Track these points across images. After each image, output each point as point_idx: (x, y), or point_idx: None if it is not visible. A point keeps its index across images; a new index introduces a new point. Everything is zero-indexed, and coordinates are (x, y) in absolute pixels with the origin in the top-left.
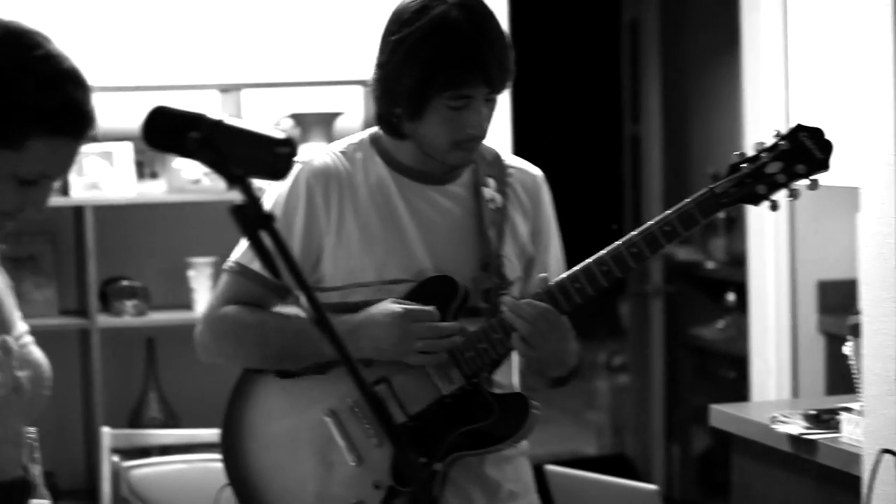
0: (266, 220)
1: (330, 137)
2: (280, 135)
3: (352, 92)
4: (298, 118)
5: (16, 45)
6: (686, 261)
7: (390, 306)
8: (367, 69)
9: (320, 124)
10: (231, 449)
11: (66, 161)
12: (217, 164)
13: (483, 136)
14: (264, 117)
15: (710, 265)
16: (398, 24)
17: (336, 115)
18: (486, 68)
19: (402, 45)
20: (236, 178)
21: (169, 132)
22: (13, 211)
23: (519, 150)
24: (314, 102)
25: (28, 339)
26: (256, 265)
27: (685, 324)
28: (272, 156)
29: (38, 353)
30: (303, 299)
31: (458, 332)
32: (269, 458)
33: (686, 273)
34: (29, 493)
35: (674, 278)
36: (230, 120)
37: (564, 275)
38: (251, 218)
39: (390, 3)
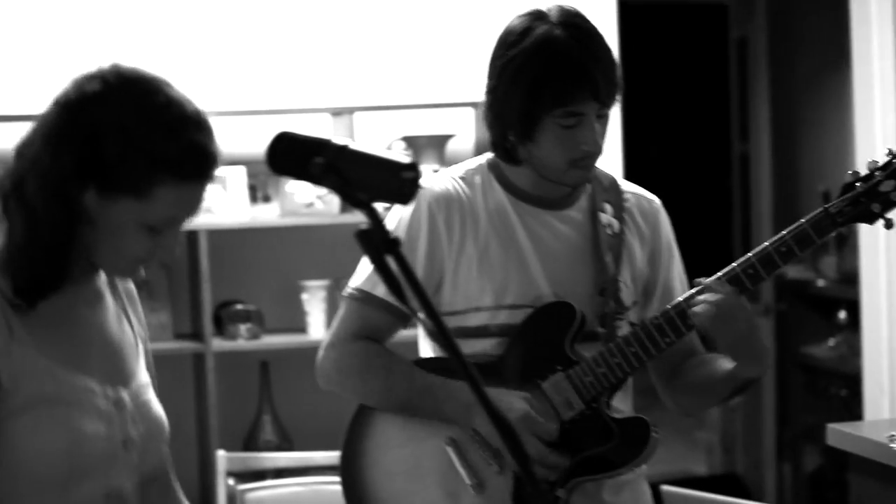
0: (392, 244)
1: (441, 160)
2: (405, 159)
3: (463, 114)
4: (410, 141)
5: (137, 93)
6: (797, 279)
7: (518, 404)
8: (479, 91)
9: (432, 147)
10: (351, 477)
11: (193, 204)
12: (342, 189)
13: (599, 152)
14: (376, 140)
15: (820, 283)
16: (504, 48)
17: (447, 137)
18: (593, 83)
19: (508, 68)
20: (361, 203)
21: (293, 157)
22: (145, 256)
23: (628, 169)
24: (425, 125)
25: (149, 393)
26: (380, 291)
27: (796, 342)
28: (398, 180)
29: (156, 408)
30: (429, 323)
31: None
32: (391, 487)
33: (797, 291)
34: None
35: (784, 296)
36: (355, 145)
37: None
38: (377, 242)
39: (500, 25)
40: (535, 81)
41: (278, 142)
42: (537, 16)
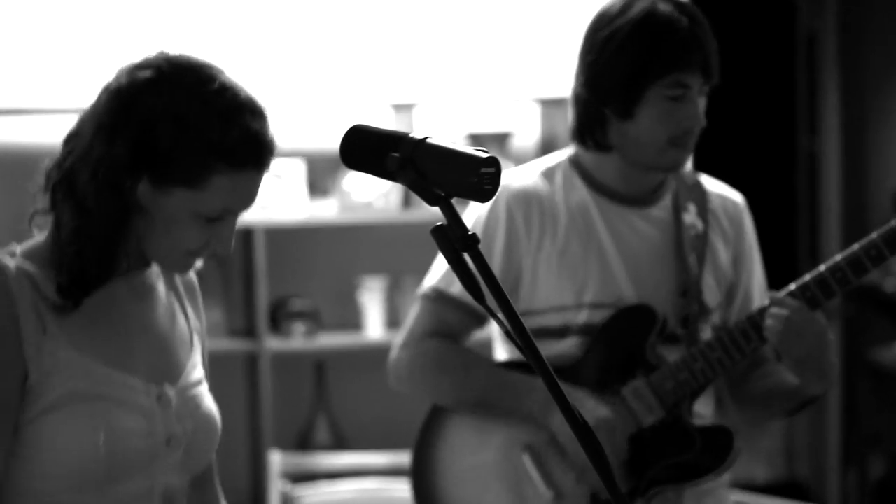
0: (470, 241)
1: (505, 156)
2: (485, 154)
3: (527, 110)
4: (473, 137)
5: (190, 81)
6: (865, 282)
7: (602, 410)
8: (542, 87)
9: (495, 143)
10: (422, 483)
11: (249, 194)
12: (418, 184)
13: (701, 127)
14: (441, 135)
15: (890, 287)
16: (604, 22)
17: (510, 134)
18: (704, 52)
19: (613, 38)
20: (438, 199)
21: (368, 152)
22: (199, 249)
23: (696, 166)
24: (488, 121)
25: (199, 389)
26: (455, 289)
27: (864, 346)
28: (477, 176)
29: (207, 405)
30: (507, 323)
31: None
32: (463, 494)
33: (865, 294)
34: None
35: (852, 299)
36: (433, 139)
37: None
38: (454, 239)
39: (566, 21)
40: (646, 49)
41: (352, 135)
42: None
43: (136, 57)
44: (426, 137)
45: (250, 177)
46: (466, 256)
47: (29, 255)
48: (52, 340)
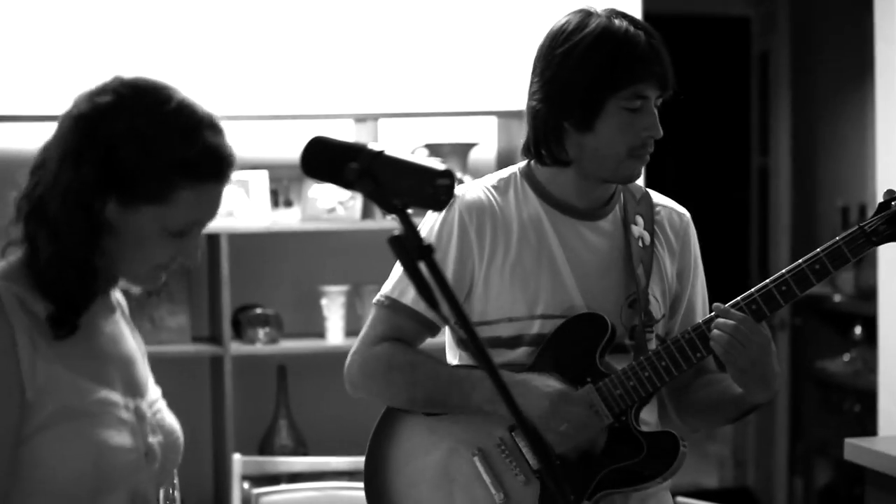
0: (425, 251)
1: (464, 168)
2: (440, 166)
3: (486, 123)
4: (433, 148)
5: (149, 102)
6: (813, 294)
7: (552, 382)
8: (502, 100)
9: (455, 155)
10: (375, 485)
11: (213, 205)
12: (376, 194)
13: (658, 137)
14: (399, 147)
15: (837, 298)
16: (562, 39)
17: (471, 145)
18: (661, 64)
19: (571, 54)
20: (395, 209)
21: (328, 162)
22: (167, 263)
23: (646, 179)
24: (449, 133)
25: (161, 404)
26: (408, 299)
27: (811, 356)
28: (433, 187)
29: (170, 419)
30: (461, 331)
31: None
32: (414, 496)
33: (812, 306)
34: None
35: (800, 311)
36: (390, 151)
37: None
38: (410, 249)
39: (525, 35)
40: (605, 62)
41: (313, 146)
42: (588, 12)
43: (92, 84)
44: (383, 150)
45: (213, 189)
46: (422, 265)
47: (9, 277)
48: (43, 359)
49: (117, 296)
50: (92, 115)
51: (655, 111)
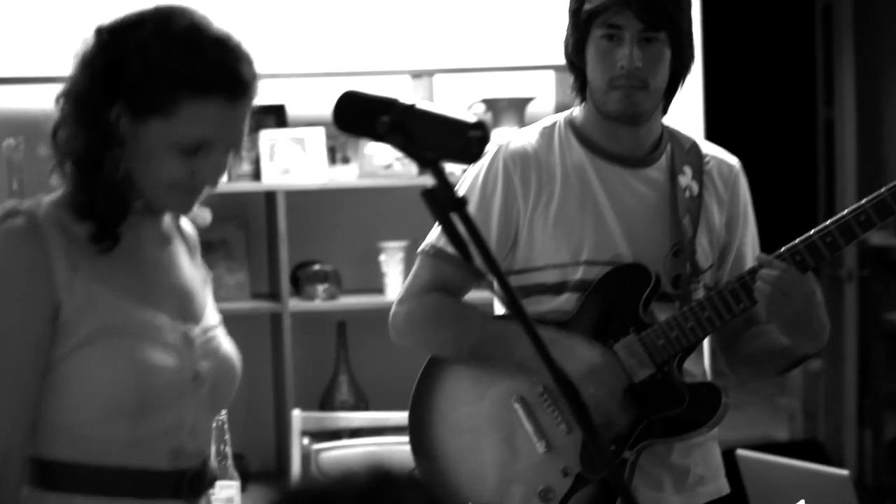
0: (458, 203)
1: (522, 122)
2: (472, 118)
3: (543, 77)
4: (490, 103)
5: (160, 20)
6: (880, 245)
7: (595, 354)
8: (560, 54)
9: (512, 109)
10: (419, 432)
11: (222, 125)
12: (408, 147)
13: (636, 73)
14: (456, 103)
15: None
16: None
17: (528, 100)
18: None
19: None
20: (428, 162)
21: (360, 116)
22: (182, 182)
23: (711, 135)
24: (506, 88)
25: (217, 332)
26: (452, 248)
27: (879, 309)
28: (464, 139)
29: (227, 347)
30: (496, 284)
31: (619, 425)
32: (457, 444)
33: (881, 258)
34: (203, 486)
35: (867, 263)
36: (422, 104)
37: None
38: (443, 201)
39: None
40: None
41: (344, 100)
42: None
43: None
44: (415, 103)
45: (221, 106)
46: (456, 217)
47: (54, 203)
48: (83, 278)
49: (185, 224)
50: (111, 29)
51: (637, 48)
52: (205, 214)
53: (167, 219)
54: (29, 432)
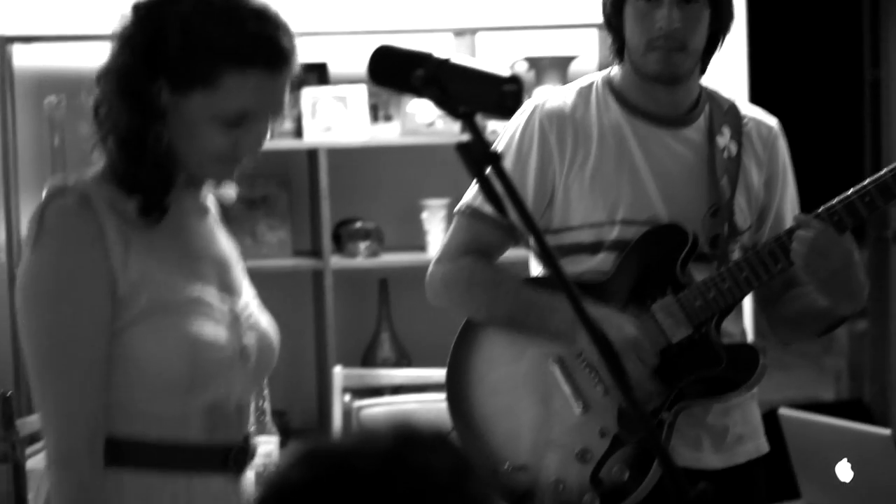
0: (493, 157)
1: (564, 81)
2: (507, 73)
3: (587, 35)
4: (533, 62)
5: None
6: None
7: (627, 326)
8: (602, 12)
9: (555, 68)
10: (456, 393)
11: (264, 96)
12: (443, 101)
13: (675, 35)
14: (499, 61)
15: None
16: None
17: (571, 58)
18: None
19: None
20: (462, 116)
21: (394, 70)
22: (224, 154)
23: (756, 96)
24: (549, 46)
25: (254, 306)
26: (489, 208)
27: None
28: (499, 94)
29: (265, 322)
30: (532, 241)
31: (658, 397)
32: (495, 405)
33: None
34: (247, 460)
35: None
36: (457, 58)
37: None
38: (477, 155)
39: None
40: None
41: (379, 55)
42: None
43: None
44: (449, 57)
45: (262, 78)
46: (491, 173)
47: (99, 182)
48: (135, 254)
49: (210, 199)
50: (148, 4)
51: (676, 10)
52: (230, 191)
53: (203, 191)
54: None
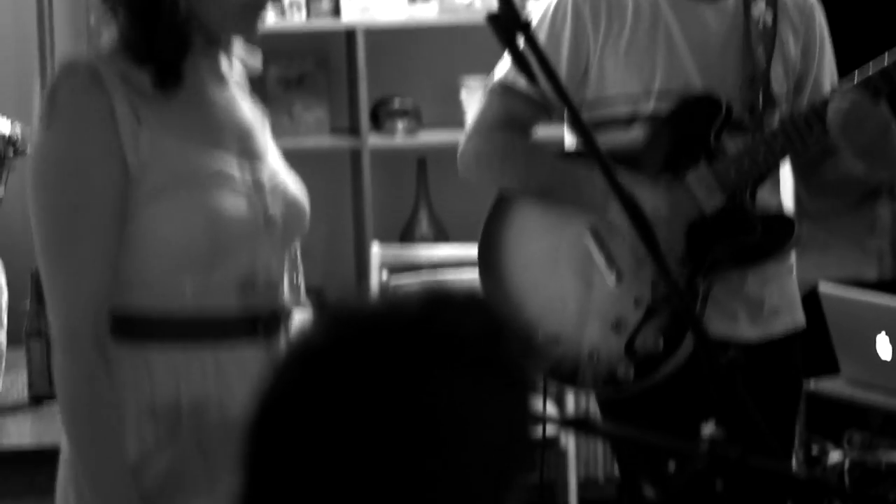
0: (523, 26)
1: None
2: None
3: None
4: None
5: None
6: None
7: (658, 200)
8: None
9: None
10: (489, 268)
11: None
12: None
13: None
14: None
15: None
16: None
17: None
18: None
19: None
20: None
21: None
22: (248, 2)
23: None
24: None
25: (282, 173)
26: (521, 83)
27: None
28: None
29: (294, 188)
30: (565, 113)
31: (694, 246)
32: (527, 278)
33: None
34: (279, 325)
35: None
36: None
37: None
38: (508, 25)
39: None
40: None
41: None
42: None
43: None
44: None
45: None
46: (523, 43)
47: (111, 53)
48: (147, 129)
49: (235, 68)
50: None
51: None
52: (256, 60)
53: (223, 59)
54: (113, 286)
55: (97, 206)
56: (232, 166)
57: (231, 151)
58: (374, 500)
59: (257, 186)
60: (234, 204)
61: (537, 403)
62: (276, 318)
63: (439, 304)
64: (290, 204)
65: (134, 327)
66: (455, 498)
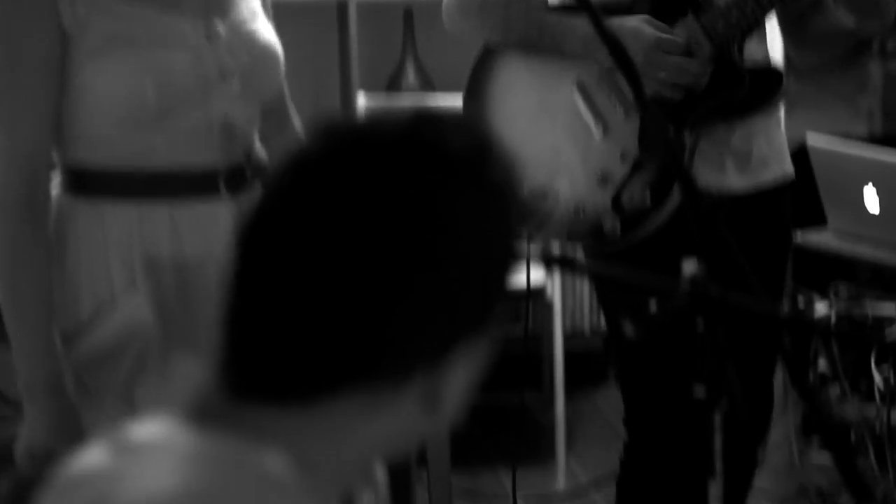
0: None
1: None
2: None
3: None
4: None
5: None
6: None
7: (645, 30)
8: None
9: None
10: (473, 119)
11: None
12: None
13: None
14: None
15: None
16: None
17: None
18: None
19: None
20: None
21: None
22: None
23: None
24: None
25: (255, 22)
26: None
27: None
28: None
29: (264, 37)
30: None
31: (703, 75)
32: (513, 131)
33: None
34: (244, 184)
35: None
36: None
37: None
38: None
39: None
40: None
41: None
42: None
43: None
44: None
45: None
46: None
47: None
48: None
49: None
50: None
51: None
52: None
53: None
54: (53, 143)
55: (31, 63)
56: (178, 22)
57: (182, 8)
58: (365, 309)
59: (212, 39)
60: (178, 59)
61: (522, 248)
62: (240, 173)
63: (429, 121)
64: (258, 54)
65: (87, 182)
66: (446, 308)
